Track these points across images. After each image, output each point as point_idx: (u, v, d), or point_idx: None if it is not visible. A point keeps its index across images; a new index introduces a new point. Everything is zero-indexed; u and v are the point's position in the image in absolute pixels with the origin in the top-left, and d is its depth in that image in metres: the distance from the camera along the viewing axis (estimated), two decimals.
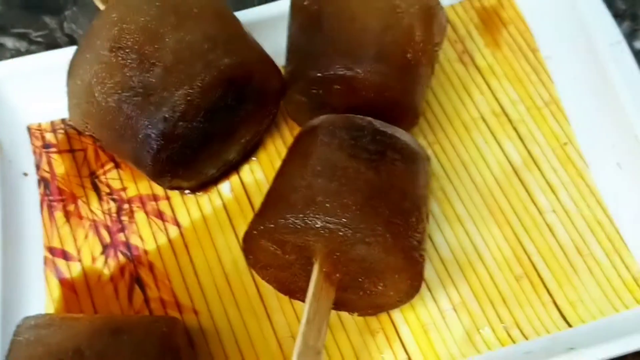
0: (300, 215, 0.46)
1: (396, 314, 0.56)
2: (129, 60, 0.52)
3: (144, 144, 0.53)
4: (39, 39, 0.69)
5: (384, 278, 0.49)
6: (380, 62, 0.55)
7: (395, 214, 0.48)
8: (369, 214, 0.47)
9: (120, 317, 0.50)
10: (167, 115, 0.51)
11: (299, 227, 0.46)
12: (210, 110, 0.53)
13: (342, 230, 0.46)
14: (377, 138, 0.50)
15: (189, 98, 0.51)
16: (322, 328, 0.47)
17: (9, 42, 0.69)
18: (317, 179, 0.47)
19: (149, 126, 0.52)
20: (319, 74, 0.55)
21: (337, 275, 0.49)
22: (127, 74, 0.52)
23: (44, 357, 0.43)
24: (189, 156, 0.56)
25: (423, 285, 0.55)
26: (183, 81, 0.51)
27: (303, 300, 0.54)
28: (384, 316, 0.56)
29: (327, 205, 0.46)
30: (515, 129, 0.64)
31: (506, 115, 0.65)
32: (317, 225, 0.46)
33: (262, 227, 0.47)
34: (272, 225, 0.47)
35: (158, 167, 0.54)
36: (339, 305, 0.53)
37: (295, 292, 0.55)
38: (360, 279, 0.50)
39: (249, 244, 0.50)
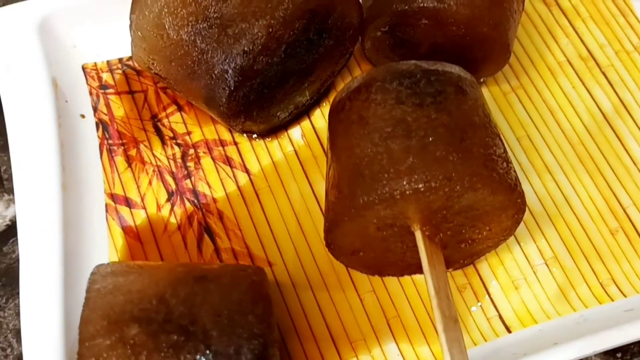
0: (396, 184, 0.41)
1: (484, 268, 0.53)
2: None
3: (219, 81, 0.49)
4: None
5: (490, 221, 0.45)
6: None
7: (488, 149, 0.44)
8: (467, 158, 0.43)
9: (203, 265, 0.46)
10: (246, 49, 0.47)
11: (396, 197, 0.41)
12: (291, 44, 0.49)
13: (447, 185, 0.41)
14: (432, 79, 0.45)
15: (270, 29, 0.47)
16: (449, 294, 0.43)
17: None
18: (393, 141, 0.43)
19: (226, 60, 0.48)
20: (405, 7, 0.51)
21: (440, 235, 0.46)
22: (202, 4, 0.48)
23: (126, 306, 0.39)
24: (265, 96, 0.52)
25: (512, 239, 0.52)
26: (264, 11, 0.47)
27: (395, 276, 0.51)
28: (470, 271, 0.53)
29: (421, 164, 0.42)
30: (604, 73, 0.60)
31: (594, 59, 0.61)
32: (417, 189, 0.41)
33: (352, 211, 0.43)
34: (364, 205, 0.42)
35: (233, 107, 0.50)
36: None
37: (387, 268, 0.51)
38: (463, 231, 0.46)
39: (334, 234, 0.45)
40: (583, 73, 0.60)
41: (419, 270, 0.50)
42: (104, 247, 0.52)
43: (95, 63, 0.59)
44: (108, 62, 0.60)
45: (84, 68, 0.59)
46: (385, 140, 0.43)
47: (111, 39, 0.59)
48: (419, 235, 0.44)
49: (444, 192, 0.41)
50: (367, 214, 0.43)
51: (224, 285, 0.41)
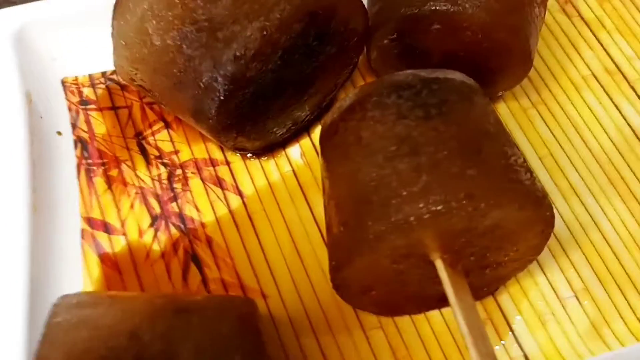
0: (410, 208, 0.36)
1: (506, 302, 0.47)
2: None
3: (208, 91, 0.43)
4: None
5: (517, 240, 0.40)
6: None
7: (508, 159, 0.39)
8: (488, 172, 0.38)
9: (185, 296, 0.40)
10: (238, 54, 0.42)
11: (412, 223, 0.36)
12: (288, 50, 0.44)
13: (470, 204, 0.36)
14: (434, 87, 0.40)
15: (264, 33, 0.42)
16: (483, 329, 0.37)
17: None
18: (400, 161, 0.38)
19: (215, 68, 0.43)
20: (415, 11, 0.46)
21: (462, 262, 0.40)
22: (190, 5, 0.43)
23: (91, 343, 0.33)
24: (260, 108, 0.46)
25: (536, 268, 0.46)
26: (258, 12, 0.42)
27: (412, 313, 0.46)
28: (491, 305, 0.47)
29: (436, 183, 0.36)
30: (632, 87, 0.55)
31: (621, 72, 0.56)
32: (436, 211, 0.36)
33: (363, 245, 0.37)
34: (376, 236, 0.37)
35: (223, 120, 0.45)
36: None
37: (402, 306, 0.45)
38: (487, 255, 0.40)
39: (343, 273, 0.39)
40: (610, 87, 0.55)
41: (438, 304, 0.44)
42: (77, 277, 0.47)
43: (76, 77, 0.55)
44: (90, 76, 0.55)
45: (63, 82, 0.54)
46: (391, 160, 0.38)
47: (94, 51, 0.54)
48: (440, 265, 0.38)
49: (466, 212, 0.36)
50: (380, 247, 0.37)
51: (208, 318, 0.36)
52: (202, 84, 0.43)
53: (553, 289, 0.47)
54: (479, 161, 0.38)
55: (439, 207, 0.36)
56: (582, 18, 0.58)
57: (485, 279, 0.43)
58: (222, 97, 0.43)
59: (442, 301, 0.42)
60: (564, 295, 0.47)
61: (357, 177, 0.39)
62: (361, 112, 0.41)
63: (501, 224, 0.38)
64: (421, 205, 0.36)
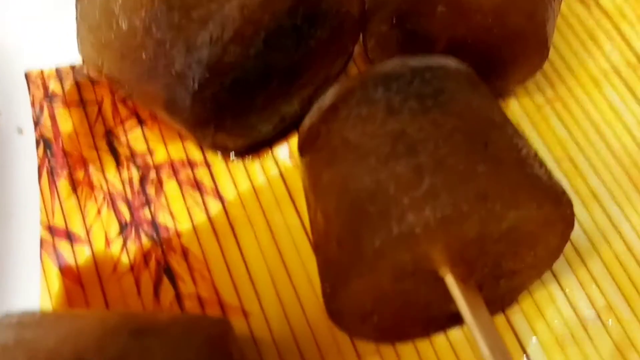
0: (414, 216, 0.30)
1: (520, 321, 0.41)
2: None
3: (181, 79, 0.38)
4: None
5: (535, 244, 0.35)
6: None
7: (520, 152, 0.34)
8: (500, 167, 0.32)
9: (146, 315, 0.34)
10: (214, 35, 0.37)
11: (417, 234, 0.30)
12: (272, 32, 0.38)
13: (483, 206, 0.31)
14: (426, 76, 0.35)
15: (245, 11, 0.37)
16: (505, 349, 0.32)
17: None
18: (396, 162, 0.32)
19: (189, 52, 0.37)
20: None
21: (474, 276, 0.34)
22: None
23: None
24: (242, 100, 0.41)
25: (553, 283, 0.40)
26: None
27: (417, 337, 0.40)
28: (503, 324, 0.41)
29: (442, 184, 0.31)
30: None
31: None
32: (444, 218, 0.30)
33: (361, 264, 0.31)
34: (377, 253, 0.31)
35: (199, 112, 0.39)
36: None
37: (406, 330, 0.39)
38: (502, 263, 0.35)
39: (340, 299, 0.33)
40: (633, 82, 0.49)
41: (447, 324, 0.39)
42: (34, 292, 0.41)
43: (41, 70, 0.49)
44: (57, 69, 0.49)
45: (27, 75, 0.49)
46: (386, 163, 0.32)
47: (62, 42, 0.48)
48: (450, 280, 0.33)
49: (479, 215, 0.30)
50: (381, 264, 0.31)
51: (170, 341, 0.30)
52: (174, 71, 0.38)
53: (572, 306, 0.42)
54: (488, 156, 0.33)
55: (448, 213, 0.30)
56: (601, 7, 0.53)
57: (499, 290, 0.38)
58: (196, 86, 0.38)
59: (451, 320, 0.37)
60: (585, 313, 0.42)
61: (347, 185, 0.33)
62: (345, 111, 0.35)
63: (518, 227, 0.32)
64: (427, 212, 0.30)
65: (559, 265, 0.43)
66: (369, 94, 0.35)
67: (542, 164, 0.34)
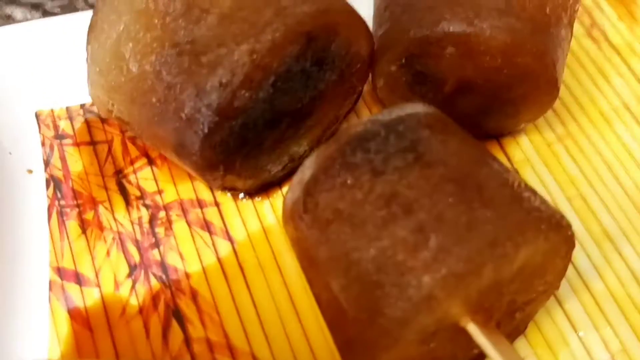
0: (432, 279, 0.30)
1: None
2: (172, 6, 0.37)
3: (190, 123, 0.38)
4: (57, 9, 0.55)
5: (545, 272, 0.35)
6: (511, 16, 0.40)
7: (512, 187, 0.34)
8: (500, 210, 0.32)
9: None
10: (224, 80, 0.37)
11: (438, 296, 0.30)
12: (281, 76, 0.38)
13: (495, 252, 0.31)
14: (400, 129, 0.35)
15: (254, 56, 0.37)
16: None
17: (19, 14, 0.55)
18: (396, 226, 0.32)
19: (199, 96, 0.37)
20: (426, 33, 0.40)
21: (493, 317, 0.34)
22: (170, 26, 0.38)
23: None
24: (251, 143, 0.41)
25: (567, 326, 0.40)
26: (247, 33, 0.37)
27: None
28: None
29: (449, 240, 0.31)
30: None
31: None
32: (460, 274, 0.30)
33: (387, 340, 0.31)
34: (401, 323, 0.30)
35: (209, 155, 0.39)
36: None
37: None
38: (517, 299, 0.35)
39: None
40: None
41: None
42: (42, 336, 0.41)
43: (51, 109, 0.49)
44: (68, 108, 0.50)
45: (37, 115, 0.49)
46: (384, 228, 0.32)
47: (72, 82, 0.48)
48: (473, 329, 0.32)
49: (493, 263, 0.30)
50: (406, 334, 0.31)
51: None
52: (184, 115, 0.38)
53: (587, 350, 0.41)
54: (485, 199, 0.32)
55: (464, 268, 0.30)
56: (611, 43, 0.53)
57: (514, 323, 0.38)
58: (206, 130, 0.38)
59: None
60: (600, 357, 0.41)
61: (350, 259, 0.32)
62: (329, 181, 0.34)
63: (529, 262, 0.32)
64: (443, 271, 0.30)
65: (573, 306, 0.42)
66: (349, 159, 0.34)
67: (535, 193, 0.34)
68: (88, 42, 0.42)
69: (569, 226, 0.34)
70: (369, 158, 0.34)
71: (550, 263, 0.35)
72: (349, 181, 0.33)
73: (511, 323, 0.38)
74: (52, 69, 0.49)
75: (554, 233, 0.32)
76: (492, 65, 0.41)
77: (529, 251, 0.32)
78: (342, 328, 0.33)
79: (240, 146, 0.40)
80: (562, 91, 0.50)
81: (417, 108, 0.36)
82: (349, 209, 0.33)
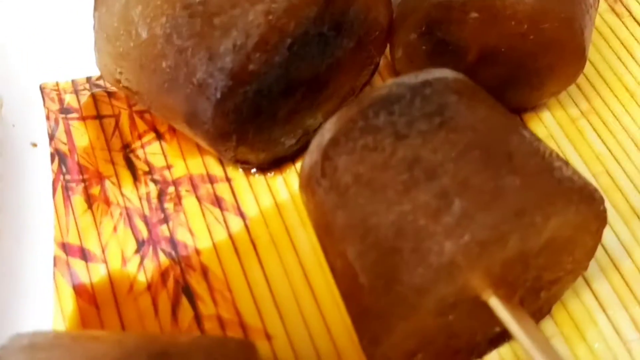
0: (453, 246, 0.28)
1: (559, 345, 0.39)
2: None
3: (202, 88, 0.36)
4: None
5: (573, 248, 0.33)
6: None
7: (544, 156, 0.32)
8: (531, 177, 0.30)
9: (165, 337, 0.32)
10: (238, 42, 0.35)
11: (460, 264, 0.28)
12: (298, 39, 0.37)
13: (522, 221, 0.29)
14: (426, 92, 0.33)
15: (270, 17, 0.35)
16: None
17: None
18: (418, 191, 0.30)
19: (211, 60, 0.35)
20: None
21: (517, 293, 0.32)
22: None
23: None
24: (265, 112, 0.39)
25: (595, 305, 0.38)
26: None
27: None
28: None
29: (474, 206, 0.29)
30: None
31: None
32: (484, 242, 0.28)
33: (404, 308, 0.29)
34: (419, 292, 0.29)
35: (221, 124, 0.37)
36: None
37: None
38: (543, 275, 0.33)
39: (383, 347, 0.31)
40: None
41: (489, 347, 0.36)
42: (47, 312, 0.39)
43: (57, 82, 0.48)
44: (73, 81, 0.48)
45: (42, 88, 0.47)
46: (406, 193, 0.30)
47: (79, 53, 0.47)
48: (495, 303, 0.30)
49: (520, 233, 0.28)
50: (424, 303, 0.29)
51: None
52: (195, 81, 0.36)
53: (615, 329, 0.39)
54: (514, 166, 0.30)
55: (488, 235, 0.28)
56: (634, 18, 0.51)
57: (539, 302, 0.36)
58: (219, 96, 0.36)
59: (492, 343, 0.35)
60: (629, 337, 0.39)
61: (368, 225, 0.31)
62: (349, 144, 0.33)
63: (557, 235, 0.30)
64: (466, 237, 0.28)
65: (601, 285, 0.40)
66: (371, 122, 0.33)
67: (567, 164, 0.32)
68: (95, 8, 0.40)
69: (601, 200, 0.32)
70: (392, 121, 0.32)
71: (580, 239, 0.33)
72: (370, 144, 0.32)
73: (535, 302, 0.36)
74: (58, 40, 0.48)
75: (586, 205, 0.31)
76: (518, 31, 0.39)
77: (558, 223, 0.30)
78: (357, 297, 0.31)
79: (253, 115, 0.38)
80: (586, 66, 0.48)
81: (445, 73, 0.35)
82: (369, 173, 0.31)
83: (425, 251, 0.29)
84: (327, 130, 0.33)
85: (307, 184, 0.34)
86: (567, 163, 0.32)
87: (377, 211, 0.31)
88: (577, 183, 0.31)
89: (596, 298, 0.40)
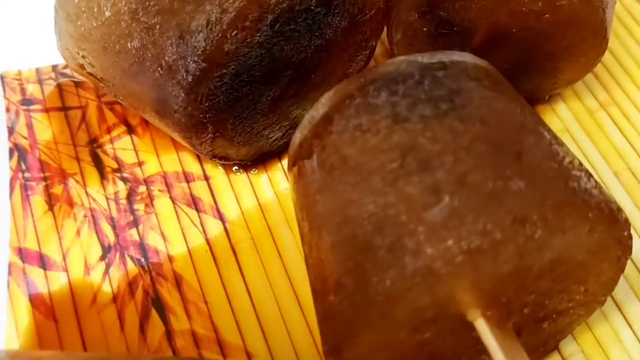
0: (434, 250, 0.24)
1: None
2: None
3: (172, 71, 0.32)
4: None
5: (586, 276, 0.28)
6: None
7: (561, 162, 0.27)
8: (538, 184, 0.26)
9: (131, 357, 0.28)
10: (212, 18, 0.31)
11: (439, 271, 0.24)
12: (281, 16, 0.32)
13: (521, 231, 0.24)
14: (439, 75, 0.29)
15: None
16: None
17: None
18: (407, 182, 0.26)
19: (182, 38, 0.31)
20: None
21: (511, 319, 0.28)
22: None
23: None
24: (245, 100, 0.34)
25: (619, 318, 0.34)
26: None
27: None
28: None
29: (467, 207, 0.25)
30: None
31: None
32: (472, 250, 0.24)
33: (369, 312, 0.25)
34: (388, 297, 0.25)
35: (194, 112, 0.33)
36: None
37: None
38: (545, 302, 0.29)
39: (345, 356, 0.27)
40: None
41: None
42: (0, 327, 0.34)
43: (19, 71, 0.43)
44: (37, 69, 0.44)
45: (2, 77, 0.43)
46: (394, 183, 0.26)
47: (42, 40, 0.42)
48: (482, 326, 0.26)
49: (515, 245, 0.24)
50: (394, 311, 0.25)
51: None
52: (164, 63, 0.32)
53: None
54: (523, 168, 0.26)
55: (477, 243, 0.24)
56: None
57: (541, 336, 0.31)
58: (189, 79, 0.32)
59: None
60: None
61: (347, 213, 0.27)
62: (342, 122, 0.29)
63: (564, 257, 0.26)
64: (449, 242, 0.24)
65: (626, 298, 0.36)
66: (370, 99, 0.28)
67: (589, 175, 0.28)
68: None
69: (626, 224, 0.27)
70: (393, 101, 0.28)
71: (595, 266, 0.28)
72: (364, 125, 0.28)
73: (537, 334, 0.31)
74: (21, 25, 0.43)
75: (604, 227, 0.26)
76: (531, 9, 0.35)
77: (566, 242, 0.26)
78: (324, 296, 0.27)
79: (232, 103, 0.34)
80: (605, 55, 0.44)
81: (465, 57, 0.30)
82: (358, 157, 0.27)
83: (401, 251, 0.25)
84: (322, 105, 0.29)
85: (294, 159, 0.30)
86: (589, 174, 0.28)
87: (359, 199, 0.27)
88: (596, 198, 0.27)
89: (619, 309, 0.36)
